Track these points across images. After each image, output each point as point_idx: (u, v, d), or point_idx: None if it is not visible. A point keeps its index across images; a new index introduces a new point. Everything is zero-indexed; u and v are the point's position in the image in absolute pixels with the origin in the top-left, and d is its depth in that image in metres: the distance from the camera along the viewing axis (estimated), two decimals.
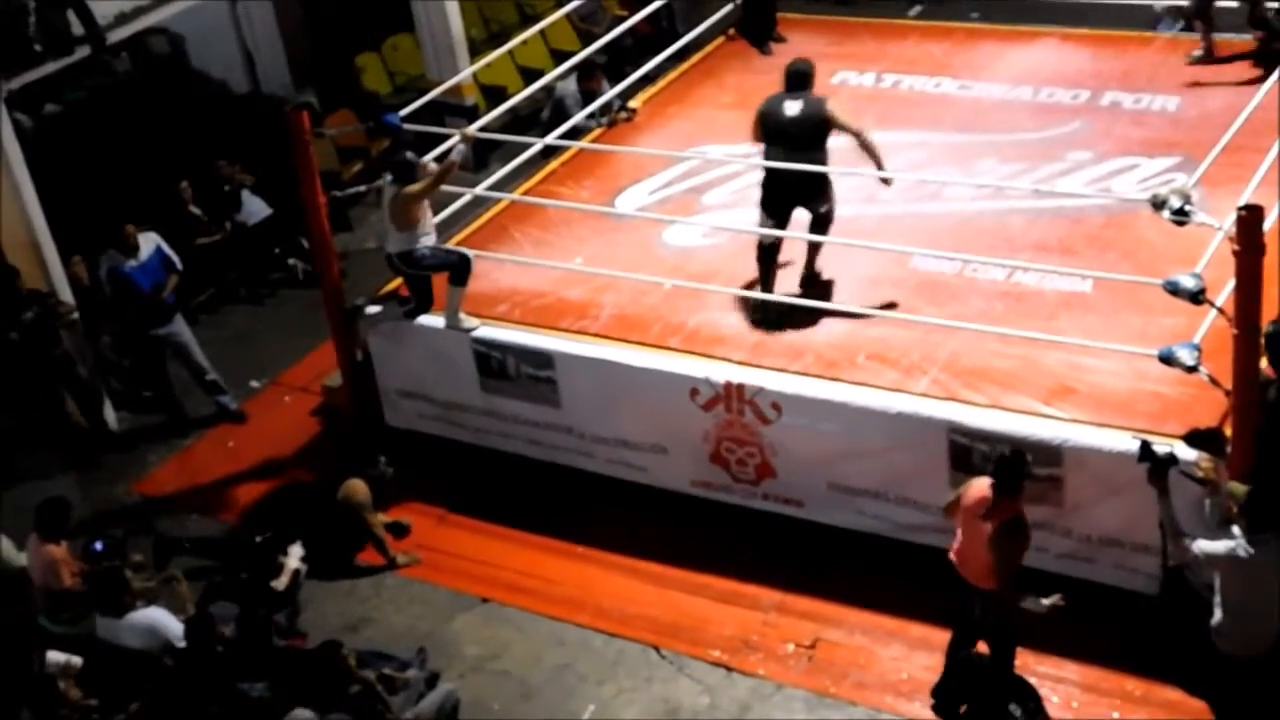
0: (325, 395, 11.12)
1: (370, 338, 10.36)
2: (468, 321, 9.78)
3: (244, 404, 11.45)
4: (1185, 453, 7.57)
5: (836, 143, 9.34)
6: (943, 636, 8.05)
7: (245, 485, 10.53)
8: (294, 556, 9.16)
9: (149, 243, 10.93)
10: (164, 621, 8.37)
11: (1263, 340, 7.75)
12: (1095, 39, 12.56)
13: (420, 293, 9.95)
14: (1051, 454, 8.16)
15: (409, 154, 9.82)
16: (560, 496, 9.79)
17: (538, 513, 9.73)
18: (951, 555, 7.62)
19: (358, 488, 9.49)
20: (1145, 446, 7.34)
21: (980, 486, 7.42)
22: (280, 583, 9.05)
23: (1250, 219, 7.34)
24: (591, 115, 12.21)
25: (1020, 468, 7.35)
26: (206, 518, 10.29)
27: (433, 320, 9.95)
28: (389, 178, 9.78)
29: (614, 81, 12.61)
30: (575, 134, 12.02)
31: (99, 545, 8.91)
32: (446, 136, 10.79)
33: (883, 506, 8.81)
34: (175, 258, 11.07)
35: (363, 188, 11.59)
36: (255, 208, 13.08)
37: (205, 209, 12.83)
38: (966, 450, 8.40)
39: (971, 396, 8.54)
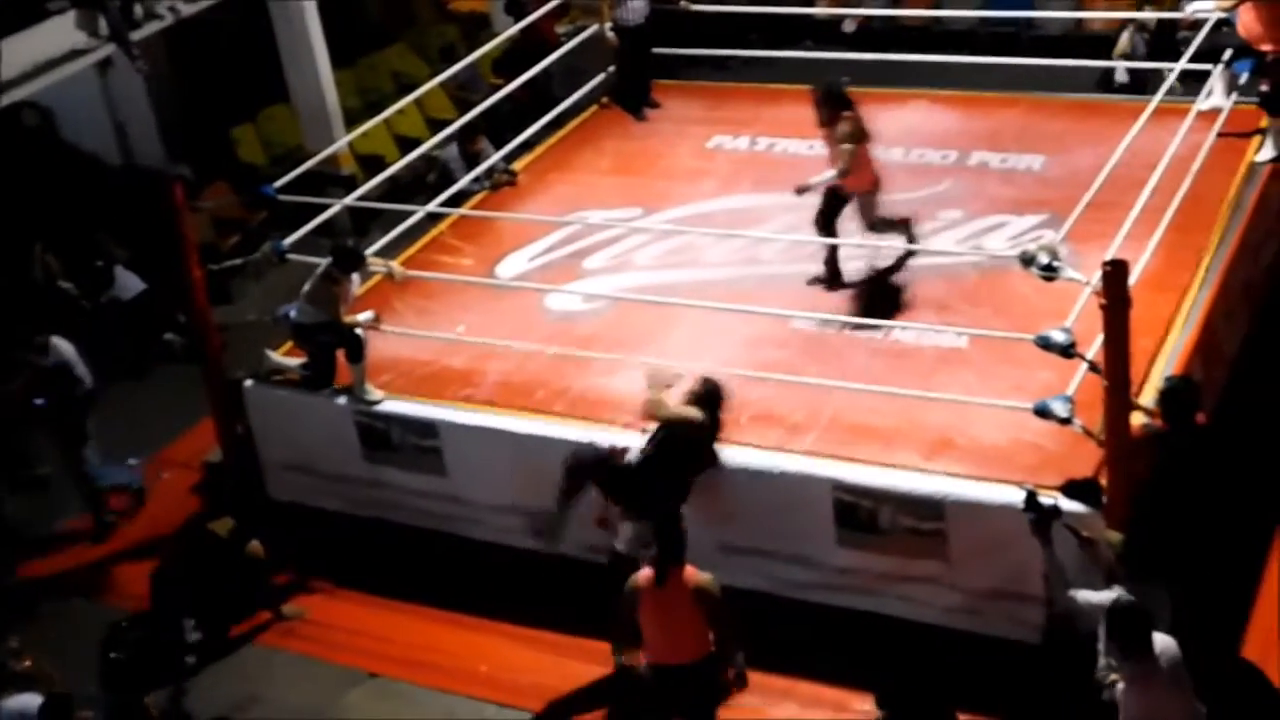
0: (206, 472, 10.95)
1: (251, 411, 10.24)
2: (374, 394, 9.73)
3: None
4: (1068, 504, 7.73)
5: (717, 206, 9.48)
6: (835, 694, 8.13)
7: (126, 565, 10.28)
8: (189, 630, 9.11)
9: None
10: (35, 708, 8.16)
11: (1159, 394, 7.95)
12: (962, 101, 12.86)
13: (322, 366, 9.89)
14: (934, 508, 8.28)
15: (351, 242, 9.86)
16: (448, 566, 9.71)
17: (426, 583, 9.64)
18: (654, 659, 7.69)
19: (259, 547, 9.45)
20: (1031, 497, 7.47)
21: (640, 579, 7.54)
22: (190, 660, 9.09)
23: (1115, 274, 7.56)
24: (476, 179, 12.26)
25: (678, 531, 7.58)
26: (89, 601, 10.05)
27: (312, 393, 9.90)
28: (269, 247, 9.72)
29: (494, 147, 12.67)
30: (460, 197, 12.05)
31: None
32: (325, 206, 10.77)
33: (771, 565, 8.86)
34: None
35: (240, 260, 11.49)
36: (129, 283, 12.90)
37: (76, 284, 12.63)
38: (851, 507, 8.50)
39: (855, 454, 8.64)
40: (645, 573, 7.57)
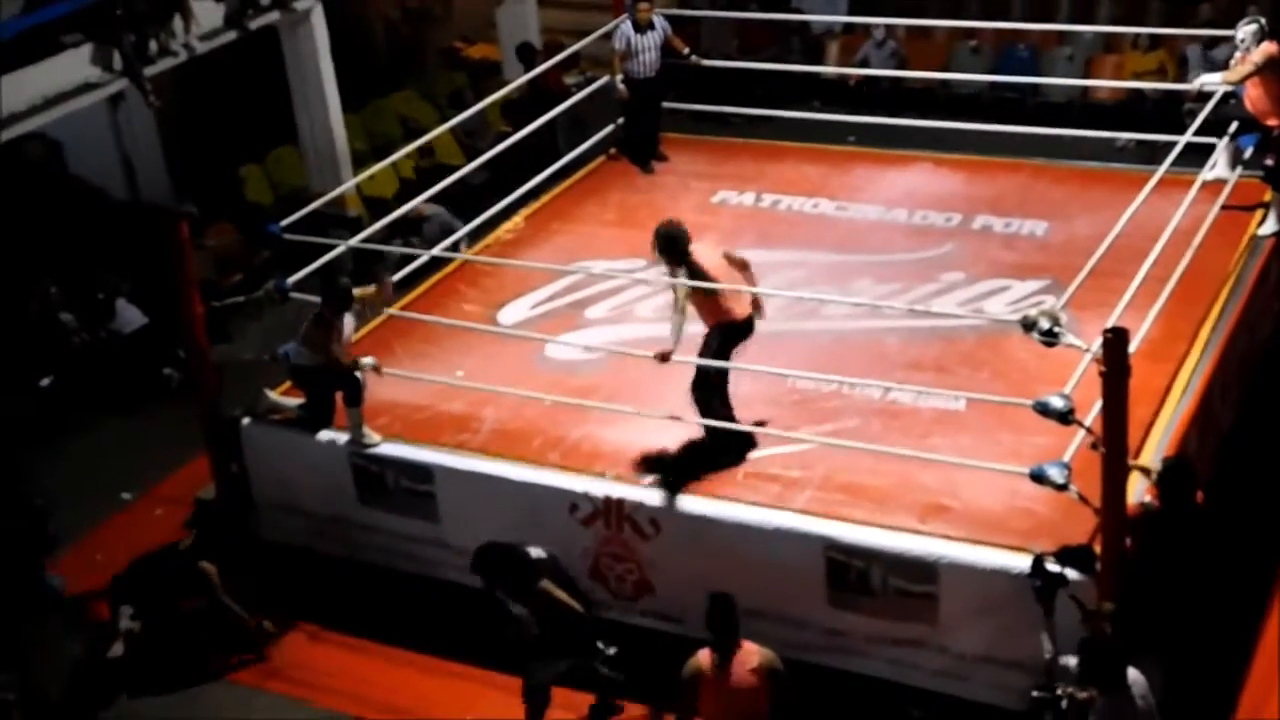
0: (195, 507, 10.90)
1: (247, 449, 10.22)
2: (371, 438, 9.71)
3: (114, 516, 11.17)
4: (1073, 573, 7.68)
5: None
6: None
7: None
8: (124, 617, 9.19)
9: None
10: None
11: (1158, 474, 7.94)
12: (967, 164, 12.91)
13: (320, 408, 9.88)
14: (927, 571, 8.25)
15: (345, 280, 9.85)
16: (436, 612, 9.65)
17: (413, 629, 9.59)
18: None
19: (212, 569, 9.50)
20: (1038, 562, 7.45)
21: (701, 660, 7.45)
22: (116, 649, 9.14)
23: (1116, 342, 7.56)
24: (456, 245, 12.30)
25: (730, 609, 7.43)
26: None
27: (309, 433, 9.88)
28: (272, 285, 9.71)
29: (498, 196, 12.70)
30: (457, 246, 12.07)
31: None
32: (328, 247, 10.78)
33: (762, 623, 8.79)
34: None
35: (242, 298, 11.50)
36: (130, 316, 12.91)
37: (77, 316, 12.63)
38: (844, 567, 8.46)
39: (848, 513, 8.61)
40: (704, 654, 7.44)
